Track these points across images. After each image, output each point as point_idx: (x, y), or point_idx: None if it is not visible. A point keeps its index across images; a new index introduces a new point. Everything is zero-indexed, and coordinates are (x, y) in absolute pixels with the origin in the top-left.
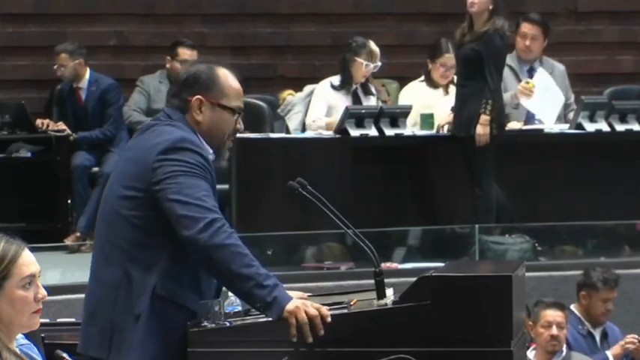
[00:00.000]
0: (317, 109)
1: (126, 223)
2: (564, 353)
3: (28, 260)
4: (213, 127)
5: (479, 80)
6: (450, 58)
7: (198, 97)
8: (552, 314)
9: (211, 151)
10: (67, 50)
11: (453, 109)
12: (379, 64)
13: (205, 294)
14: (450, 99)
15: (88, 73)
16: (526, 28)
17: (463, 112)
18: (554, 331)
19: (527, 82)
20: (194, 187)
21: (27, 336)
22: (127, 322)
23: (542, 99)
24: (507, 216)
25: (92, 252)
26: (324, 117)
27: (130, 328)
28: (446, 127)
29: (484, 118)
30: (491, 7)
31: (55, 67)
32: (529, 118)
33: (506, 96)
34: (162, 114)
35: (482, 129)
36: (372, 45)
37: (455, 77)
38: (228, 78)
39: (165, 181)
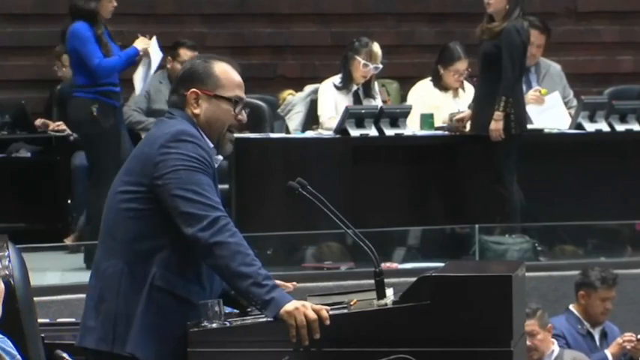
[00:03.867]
0: (327, 107)
1: (126, 217)
2: (557, 352)
3: None
4: (211, 119)
5: (497, 77)
6: (462, 63)
7: (194, 90)
8: None
9: (212, 145)
10: None
11: (471, 107)
12: (380, 66)
13: (206, 286)
14: (460, 101)
15: None
16: (533, 36)
17: (484, 110)
18: (527, 342)
19: (540, 91)
20: (197, 183)
21: (1, 330)
22: (131, 313)
23: (547, 114)
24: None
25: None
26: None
27: (134, 319)
28: (468, 125)
29: (497, 114)
30: (507, 6)
31: (56, 67)
32: None
33: None
34: (166, 112)
35: (495, 124)
36: (374, 46)
37: (464, 80)
38: (224, 69)
39: (167, 175)
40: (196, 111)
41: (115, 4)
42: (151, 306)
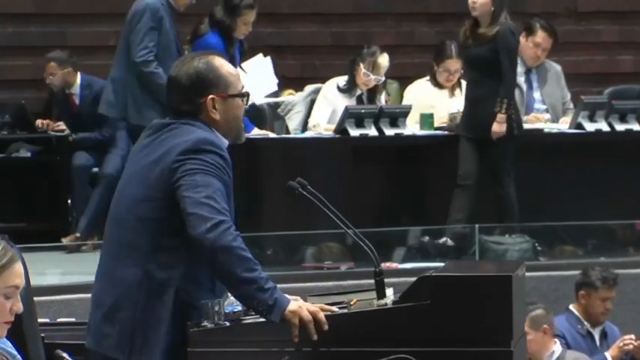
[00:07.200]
0: (320, 112)
1: (145, 225)
2: (558, 352)
3: (20, 271)
4: (230, 118)
5: (495, 80)
6: (453, 62)
7: (211, 96)
8: None
9: (226, 141)
10: (58, 59)
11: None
12: (382, 78)
13: (217, 293)
14: (456, 101)
15: (79, 77)
16: (541, 38)
17: (479, 113)
18: None
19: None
20: (208, 186)
21: None
22: (150, 324)
23: None
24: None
25: (101, 249)
26: (326, 123)
27: (153, 331)
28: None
29: (500, 116)
30: (492, 8)
31: (45, 74)
32: (529, 107)
33: None
34: (173, 119)
35: (498, 127)
36: (381, 57)
37: (460, 81)
38: (224, 66)
39: (183, 178)
40: (216, 116)
41: (251, 29)
42: (176, 320)
